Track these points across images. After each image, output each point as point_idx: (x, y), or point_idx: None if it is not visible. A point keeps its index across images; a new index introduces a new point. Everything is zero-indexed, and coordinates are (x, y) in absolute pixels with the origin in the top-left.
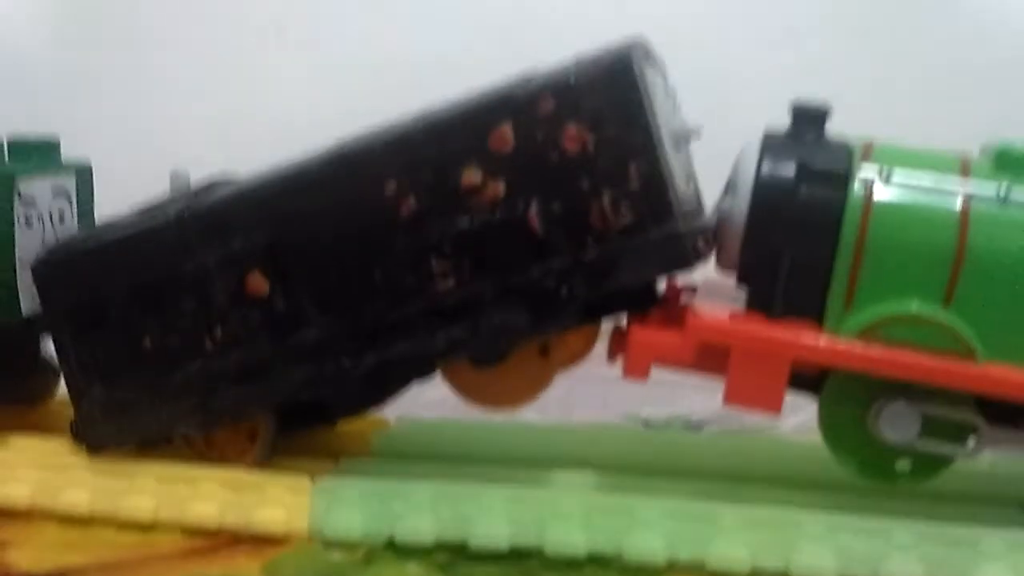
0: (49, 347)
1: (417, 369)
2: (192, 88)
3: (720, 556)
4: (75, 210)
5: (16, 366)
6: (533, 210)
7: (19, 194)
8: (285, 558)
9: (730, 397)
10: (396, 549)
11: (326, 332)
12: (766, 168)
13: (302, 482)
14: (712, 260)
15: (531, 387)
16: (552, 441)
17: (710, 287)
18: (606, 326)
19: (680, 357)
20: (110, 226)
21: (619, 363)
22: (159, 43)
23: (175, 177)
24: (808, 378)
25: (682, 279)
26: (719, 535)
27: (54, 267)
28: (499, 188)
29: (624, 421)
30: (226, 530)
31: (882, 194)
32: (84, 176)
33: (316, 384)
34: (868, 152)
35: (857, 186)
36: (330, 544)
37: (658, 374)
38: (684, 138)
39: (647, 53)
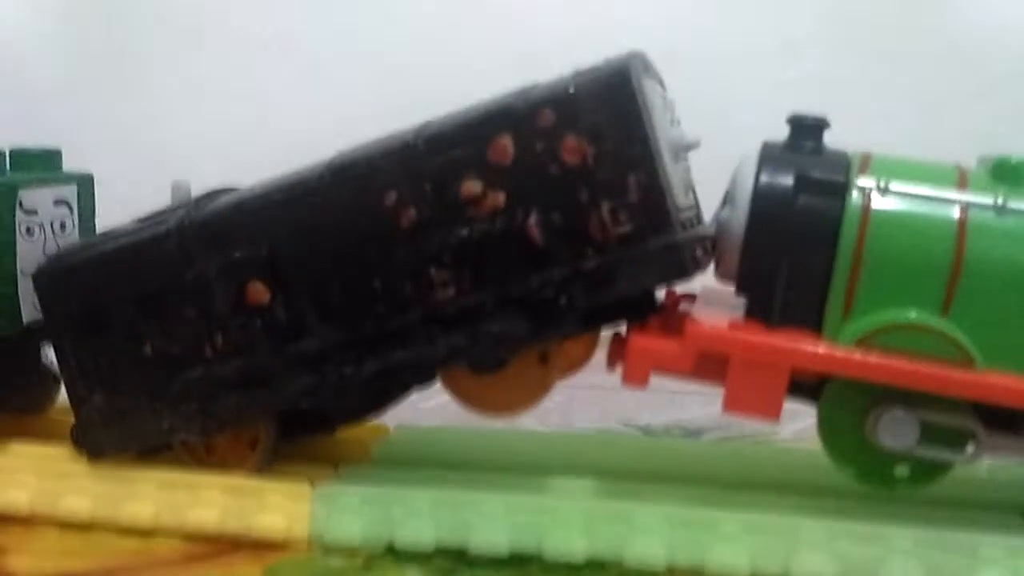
0: (50, 355)
1: (417, 376)
2: (195, 99)
3: (719, 562)
4: (76, 220)
5: (17, 374)
6: (533, 220)
7: (21, 204)
8: (285, 564)
9: (729, 404)
10: (396, 555)
11: (326, 341)
12: (765, 178)
13: (302, 488)
14: (711, 270)
15: (530, 394)
16: (552, 448)
17: (709, 295)
18: (605, 334)
19: (679, 365)
20: (111, 235)
21: (619, 370)
22: (162, 55)
23: (177, 188)
24: (807, 386)
25: (681, 287)
26: (718, 541)
27: (55, 276)
28: (499, 199)
29: (623, 428)
30: (226, 536)
31: (880, 204)
32: (86, 186)
33: (317, 392)
34: (866, 163)
35: (855, 196)
36: (330, 550)
37: (657, 382)
38: (683, 149)
39: (646, 66)
